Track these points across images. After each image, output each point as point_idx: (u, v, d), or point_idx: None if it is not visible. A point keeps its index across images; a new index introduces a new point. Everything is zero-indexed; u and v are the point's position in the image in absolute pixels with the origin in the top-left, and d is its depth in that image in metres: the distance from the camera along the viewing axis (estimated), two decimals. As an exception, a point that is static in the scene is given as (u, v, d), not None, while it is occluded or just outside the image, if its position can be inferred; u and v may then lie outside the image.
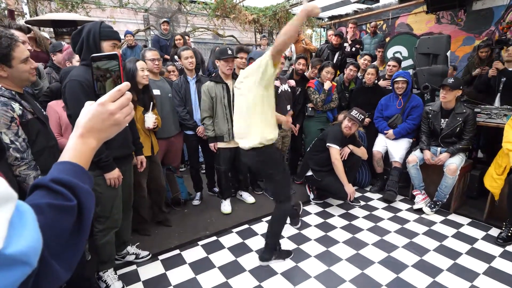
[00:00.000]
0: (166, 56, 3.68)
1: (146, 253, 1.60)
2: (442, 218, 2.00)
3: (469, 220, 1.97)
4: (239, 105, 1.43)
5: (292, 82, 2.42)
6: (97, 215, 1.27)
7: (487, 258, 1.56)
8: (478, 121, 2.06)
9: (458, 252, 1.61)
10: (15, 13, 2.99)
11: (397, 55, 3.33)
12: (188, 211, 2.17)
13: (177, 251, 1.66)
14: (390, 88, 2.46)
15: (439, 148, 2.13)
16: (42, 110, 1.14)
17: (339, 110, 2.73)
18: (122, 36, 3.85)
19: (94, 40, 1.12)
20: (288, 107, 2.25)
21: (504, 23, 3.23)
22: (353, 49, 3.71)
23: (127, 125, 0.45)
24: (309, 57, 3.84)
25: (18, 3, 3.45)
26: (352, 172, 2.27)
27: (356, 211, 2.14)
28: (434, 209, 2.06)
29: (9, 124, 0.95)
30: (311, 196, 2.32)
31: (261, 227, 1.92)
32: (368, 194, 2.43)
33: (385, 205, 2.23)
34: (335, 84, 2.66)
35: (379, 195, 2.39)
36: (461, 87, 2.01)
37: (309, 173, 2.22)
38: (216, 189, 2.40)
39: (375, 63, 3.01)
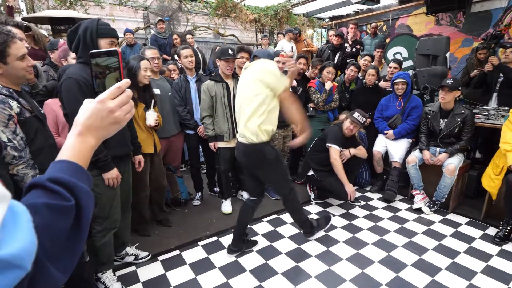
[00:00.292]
0: (166, 57, 3.65)
1: (146, 253, 1.59)
2: (441, 217, 2.02)
3: (467, 219, 1.99)
4: (243, 93, 1.43)
5: (293, 82, 2.42)
6: (95, 216, 1.25)
7: (485, 257, 1.57)
8: (476, 122, 2.08)
9: (456, 251, 1.63)
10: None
11: (397, 56, 3.35)
12: (188, 211, 2.16)
13: (177, 252, 1.65)
14: (391, 89, 2.47)
15: (438, 149, 2.14)
16: (40, 108, 1.12)
17: (340, 110, 2.73)
18: (121, 35, 3.82)
19: (91, 37, 1.10)
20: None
21: (502, 25, 3.27)
22: (354, 49, 3.73)
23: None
24: (310, 57, 3.85)
25: (15, -1, 3.40)
26: (353, 173, 2.27)
27: (356, 210, 2.15)
28: (433, 209, 2.08)
29: (6, 122, 0.93)
30: (312, 196, 2.32)
31: (262, 227, 1.92)
32: (368, 194, 2.44)
33: (385, 204, 2.24)
34: (336, 84, 2.67)
35: (379, 195, 2.40)
36: (459, 88, 2.02)
37: (310, 172, 2.22)
38: (217, 189, 2.39)
39: (373, 63, 3.02)
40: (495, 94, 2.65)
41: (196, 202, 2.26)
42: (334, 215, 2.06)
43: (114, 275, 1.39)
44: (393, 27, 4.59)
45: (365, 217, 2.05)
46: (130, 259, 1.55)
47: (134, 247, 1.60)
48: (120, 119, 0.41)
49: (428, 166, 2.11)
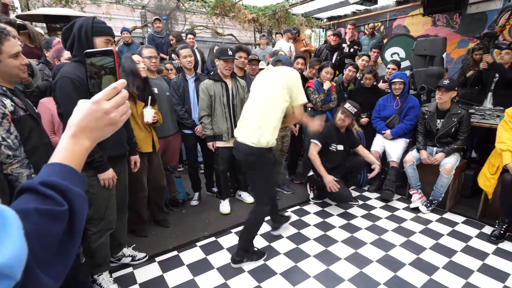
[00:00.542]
0: (164, 56, 3.62)
1: (143, 254, 1.57)
2: (438, 216, 2.04)
3: (463, 218, 2.01)
4: (258, 98, 1.43)
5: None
6: (91, 217, 1.23)
7: (481, 255, 1.59)
8: (472, 122, 2.11)
9: (453, 250, 1.64)
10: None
11: (395, 56, 3.38)
12: (186, 212, 2.14)
13: (174, 253, 1.63)
14: (389, 91, 2.48)
15: (435, 148, 2.16)
16: (34, 107, 1.10)
17: (338, 111, 2.74)
18: (118, 33, 3.78)
19: (86, 35, 1.08)
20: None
21: (497, 26, 3.32)
22: (352, 50, 3.74)
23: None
24: (308, 57, 3.86)
25: (9, -4, 3.34)
26: (354, 173, 2.28)
27: (354, 210, 2.15)
28: (430, 208, 2.09)
29: (0, 120, 0.91)
30: (311, 195, 2.33)
31: (261, 227, 1.91)
32: (366, 193, 2.45)
33: (382, 204, 2.25)
34: (334, 84, 2.68)
35: (377, 194, 2.41)
36: (456, 89, 2.04)
37: (311, 173, 2.22)
38: (215, 189, 2.37)
39: (369, 63, 3.04)
40: (490, 94, 2.68)
41: (194, 203, 2.25)
42: (332, 215, 2.07)
43: (111, 276, 1.37)
44: (390, 27, 4.63)
45: (363, 216, 2.05)
46: (127, 260, 1.53)
47: (131, 248, 1.58)
48: (116, 121, 0.40)
49: (425, 166, 2.13)
